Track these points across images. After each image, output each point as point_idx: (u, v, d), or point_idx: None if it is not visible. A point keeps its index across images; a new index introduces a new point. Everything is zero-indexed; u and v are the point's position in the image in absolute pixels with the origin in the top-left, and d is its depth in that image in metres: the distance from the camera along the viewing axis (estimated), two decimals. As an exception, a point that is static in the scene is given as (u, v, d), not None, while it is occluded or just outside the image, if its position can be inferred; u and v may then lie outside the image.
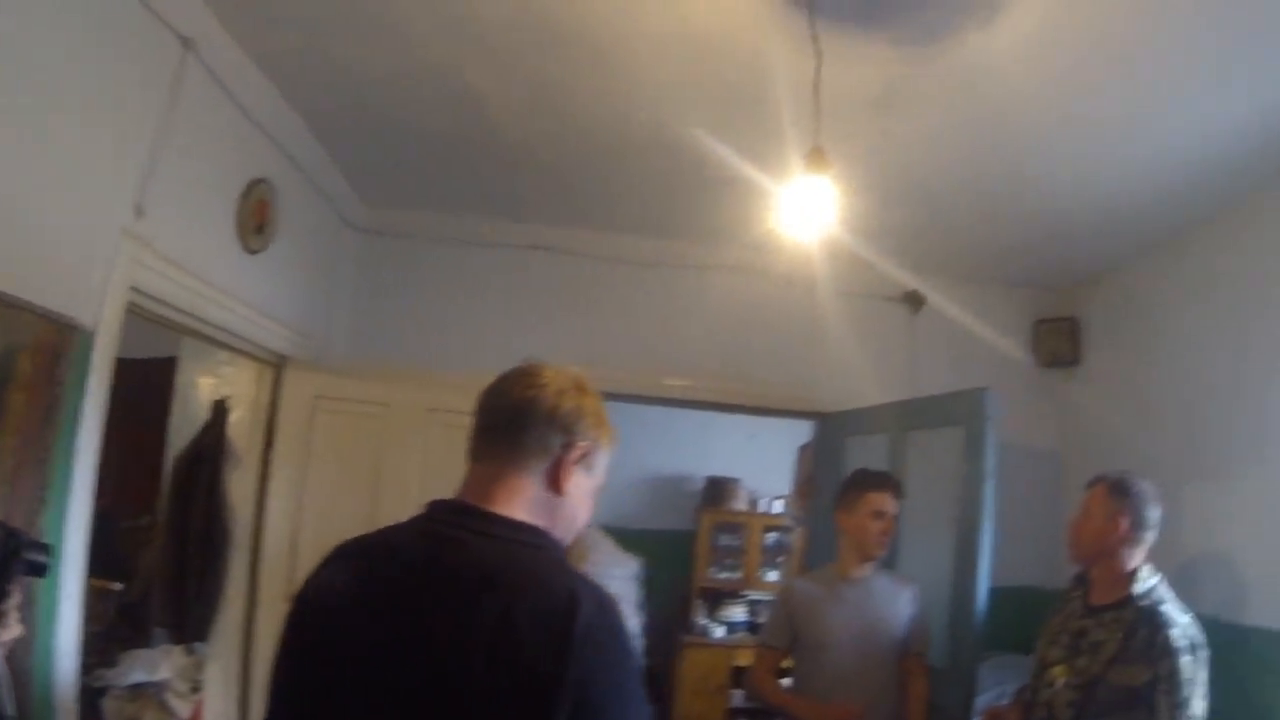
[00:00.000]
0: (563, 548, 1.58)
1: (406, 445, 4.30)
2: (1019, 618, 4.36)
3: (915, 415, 4.26)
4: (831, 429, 4.93)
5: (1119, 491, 3.02)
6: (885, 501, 3.47)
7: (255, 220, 3.78)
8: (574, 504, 1.61)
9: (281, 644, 1.49)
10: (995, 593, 3.67)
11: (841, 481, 3.70)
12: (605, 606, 1.38)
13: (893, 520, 3.49)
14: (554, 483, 1.57)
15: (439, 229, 5.06)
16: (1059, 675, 2.99)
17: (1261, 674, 3.53)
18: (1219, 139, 3.46)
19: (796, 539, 5.89)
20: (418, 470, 4.22)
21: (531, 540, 1.49)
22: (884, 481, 3.55)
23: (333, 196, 4.63)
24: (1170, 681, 2.71)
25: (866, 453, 4.48)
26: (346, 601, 1.45)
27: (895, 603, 3.52)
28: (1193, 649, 2.77)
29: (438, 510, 1.54)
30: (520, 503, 1.53)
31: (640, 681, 1.40)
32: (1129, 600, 2.92)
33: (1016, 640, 4.50)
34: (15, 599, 1.97)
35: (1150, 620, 2.83)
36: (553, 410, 1.57)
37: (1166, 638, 2.76)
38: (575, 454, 1.59)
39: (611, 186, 4.43)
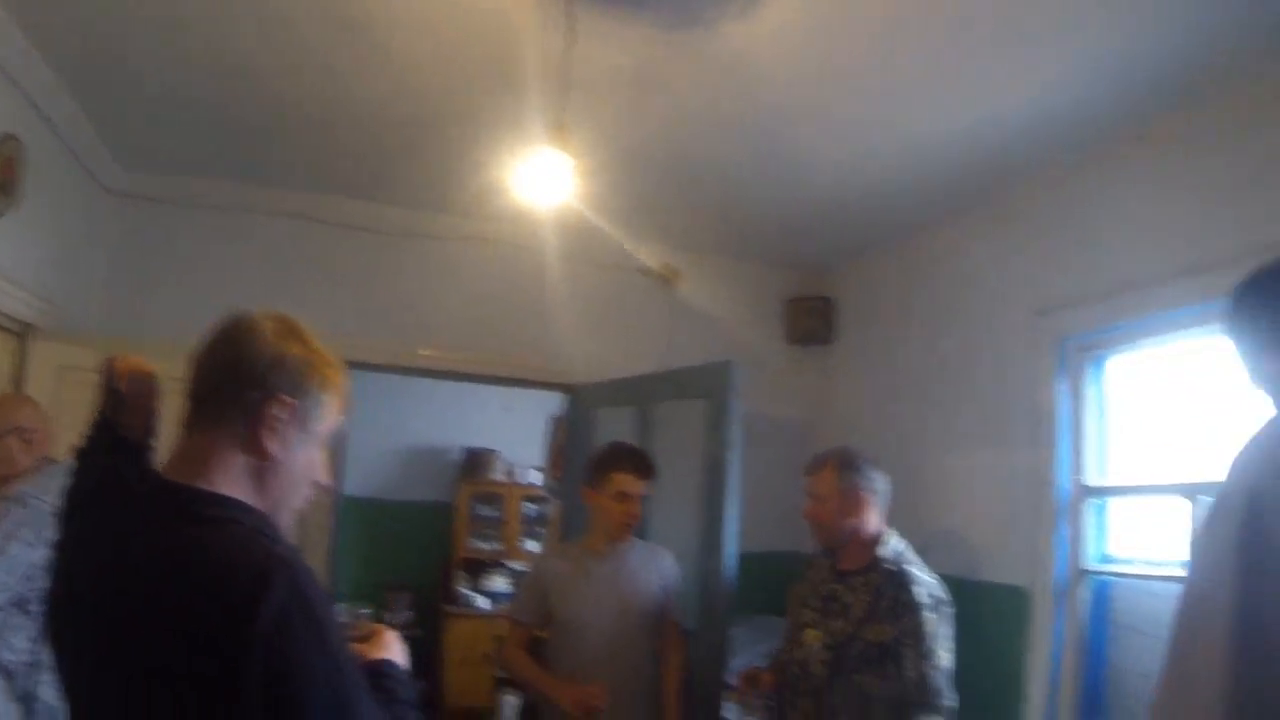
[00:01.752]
0: (271, 521, 1.40)
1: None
2: (772, 582, 4.55)
3: (663, 387, 4.34)
4: (582, 401, 4.96)
5: (847, 466, 3.20)
6: (631, 483, 3.40)
7: (1, 178, 3.47)
8: (289, 472, 1.44)
9: None
10: (749, 558, 3.80)
11: (591, 456, 3.65)
12: (302, 588, 1.22)
13: (639, 501, 3.43)
14: (257, 447, 1.39)
15: (198, 195, 4.79)
16: (812, 638, 3.13)
17: (999, 625, 3.86)
18: (964, 137, 3.72)
19: (554, 510, 5.91)
20: (168, 444, 3.95)
21: (226, 515, 1.32)
22: (631, 462, 3.45)
23: (88, 158, 4.31)
24: (915, 635, 2.92)
25: (616, 424, 4.55)
26: (64, 573, 1.39)
27: (649, 574, 3.52)
28: (936, 606, 2.99)
29: (147, 484, 1.42)
30: (221, 473, 1.36)
31: (350, 670, 1.28)
32: (875, 563, 3.11)
33: (771, 603, 4.69)
34: None
35: (896, 581, 3.03)
36: (252, 362, 1.39)
37: (911, 596, 2.97)
38: (280, 411, 1.40)
39: (371, 157, 4.33)
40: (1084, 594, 3.67)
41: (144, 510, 1.35)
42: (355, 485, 7.22)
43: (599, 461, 3.52)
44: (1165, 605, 3.29)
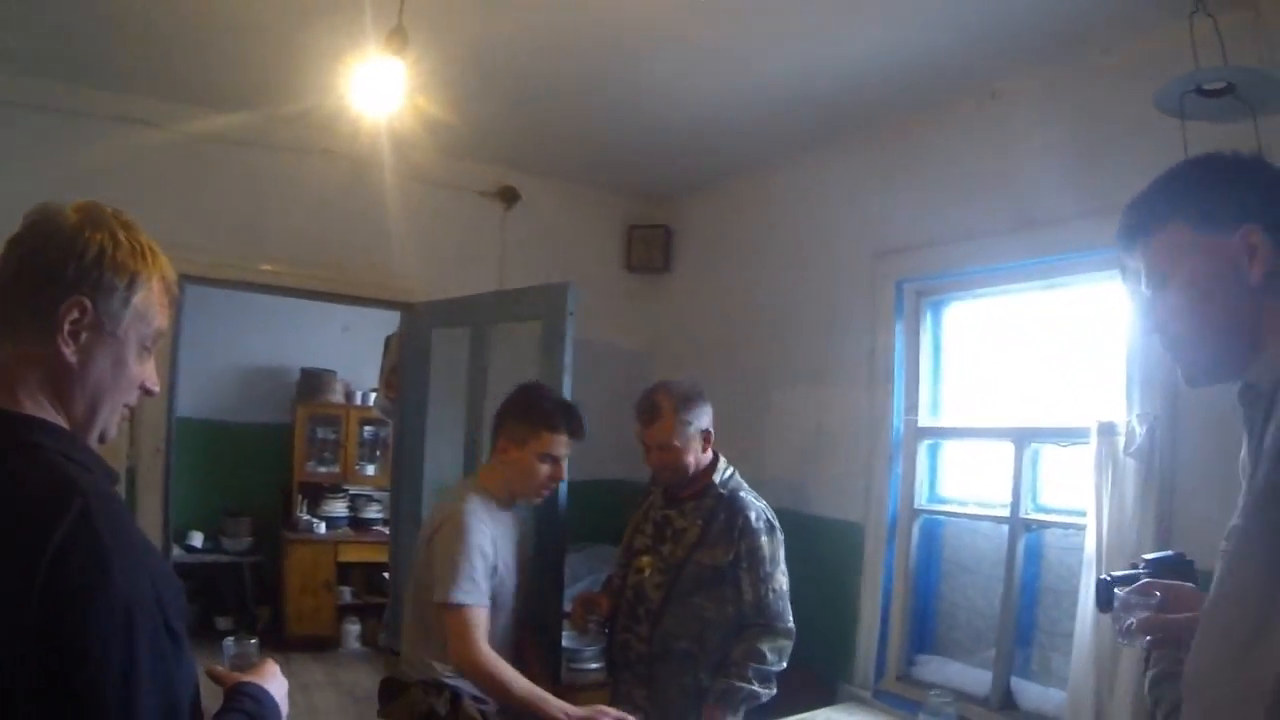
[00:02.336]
0: (78, 442, 1.28)
1: None
2: (603, 510, 4.55)
3: (500, 308, 4.23)
4: (418, 320, 4.82)
5: (685, 408, 3.12)
6: (563, 445, 3.05)
7: None
8: (95, 382, 1.29)
9: None
10: (579, 485, 3.75)
11: (512, 401, 3.17)
12: (90, 518, 1.13)
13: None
14: (54, 355, 1.25)
15: (26, 94, 4.32)
16: (646, 564, 3.14)
17: (834, 559, 3.95)
18: (813, 77, 3.66)
19: (391, 432, 5.79)
20: None
21: (21, 437, 1.21)
22: (567, 423, 3.06)
23: None
24: (752, 559, 2.98)
25: (450, 344, 4.44)
26: None
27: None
28: (770, 530, 3.06)
29: None
30: (22, 389, 1.24)
31: (135, 612, 1.14)
32: (707, 489, 3.13)
33: (602, 532, 4.70)
34: None
35: (729, 506, 3.07)
36: (47, 258, 1.25)
37: (746, 520, 3.01)
38: (77, 313, 1.25)
39: (203, 60, 4.00)
40: (915, 532, 3.79)
41: None
42: (190, 406, 6.87)
43: (529, 414, 3.05)
44: (991, 545, 3.47)
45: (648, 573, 3.12)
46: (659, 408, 3.13)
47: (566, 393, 3.54)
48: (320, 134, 4.71)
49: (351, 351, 8.02)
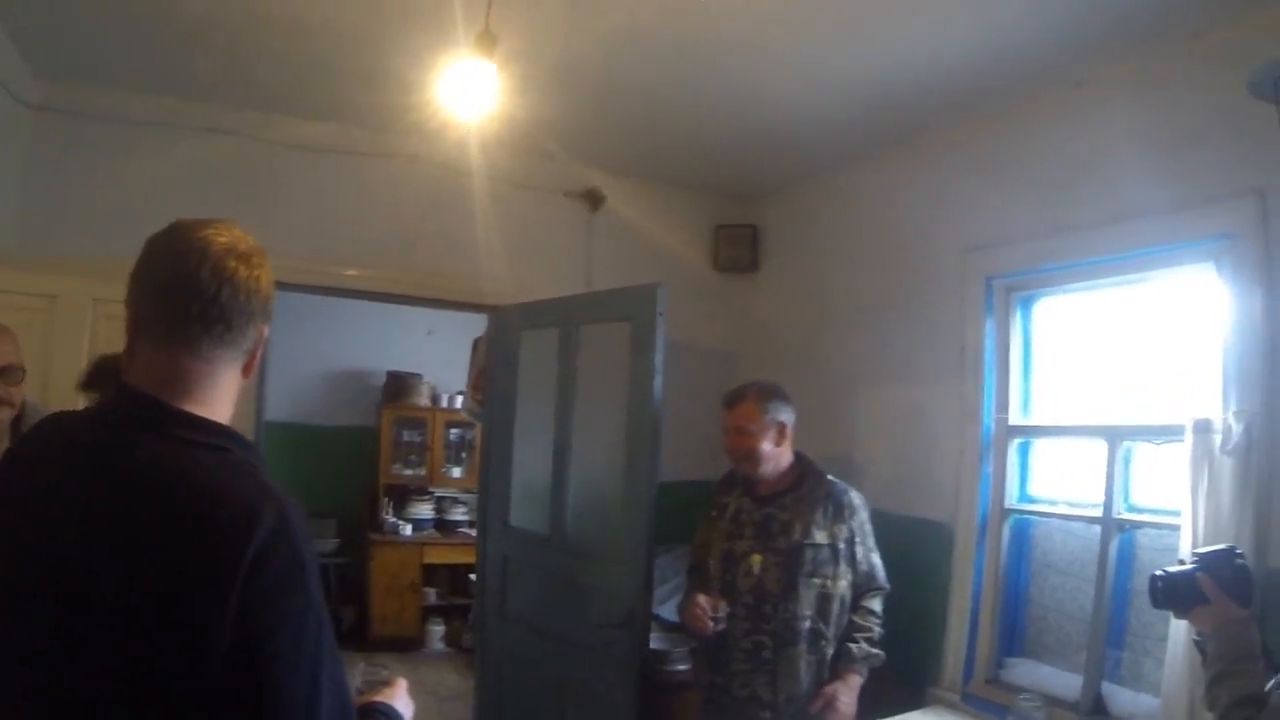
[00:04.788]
0: (254, 447, 1.41)
1: (74, 340, 3.87)
2: (694, 510, 4.54)
3: (588, 309, 4.25)
4: (504, 322, 4.87)
5: (769, 398, 3.31)
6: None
7: None
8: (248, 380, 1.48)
9: None
10: (673, 486, 3.76)
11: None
12: (289, 526, 1.22)
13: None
14: (246, 369, 1.44)
15: (117, 108, 4.47)
16: (757, 561, 3.21)
17: (922, 559, 3.91)
18: (900, 72, 3.64)
19: (480, 434, 5.84)
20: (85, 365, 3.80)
21: (217, 442, 1.30)
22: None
23: (1, 68, 4.02)
24: (860, 532, 3.24)
25: (539, 346, 4.46)
26: (16, 499, 1.31)
27: None
28: (865, 505, 3.32)
29: (121, 401, 1.35)
30: (217, 397, 1.37)
31: (321, 611, 1.24)
32: (801, 481, 3.29)
33: (692, 531, 4.68)
34: None
35: (830, 493, 3.25)
36: (266, 300, 1.42)
37: (850, 500, 3.26)
38: (265, 337, 1.45)
39: (290, 69, 4.09)
40: (1005, 532, 3.74)
41: (126, 426, 1.30)
42: (277, 410, 7.05)
43: None
44: (1083, 545, 3.41)
45: (760, 568, 3.19)
46: (744, 392, 3.34)
47: (657, 394, 3.57)
48: (406, 138, 4.79)
49: (437, 354, 8.12)
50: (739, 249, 5.54)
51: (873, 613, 3.20)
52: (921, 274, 4.23)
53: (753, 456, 3.27)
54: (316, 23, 3.60)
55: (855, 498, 3.29)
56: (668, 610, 4.22)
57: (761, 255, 5.55)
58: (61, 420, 1.43)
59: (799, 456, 3.37)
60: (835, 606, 3.15)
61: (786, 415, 3.31)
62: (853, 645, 3.13)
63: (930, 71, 3.59)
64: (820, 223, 5.06)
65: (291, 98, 4.47)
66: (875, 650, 3.15)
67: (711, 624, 3.18)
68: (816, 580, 3.14)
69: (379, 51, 3.78)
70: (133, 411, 1.32)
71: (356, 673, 1.75)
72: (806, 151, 4.72)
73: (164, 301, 1.35)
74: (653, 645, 3.69)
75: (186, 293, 1.34)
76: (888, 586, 3.28)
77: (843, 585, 3.17)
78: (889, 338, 4.39)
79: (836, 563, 3.17)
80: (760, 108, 4.14)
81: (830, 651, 3.14)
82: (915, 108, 3.97)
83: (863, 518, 3.27)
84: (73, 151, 4.43)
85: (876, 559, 3.28)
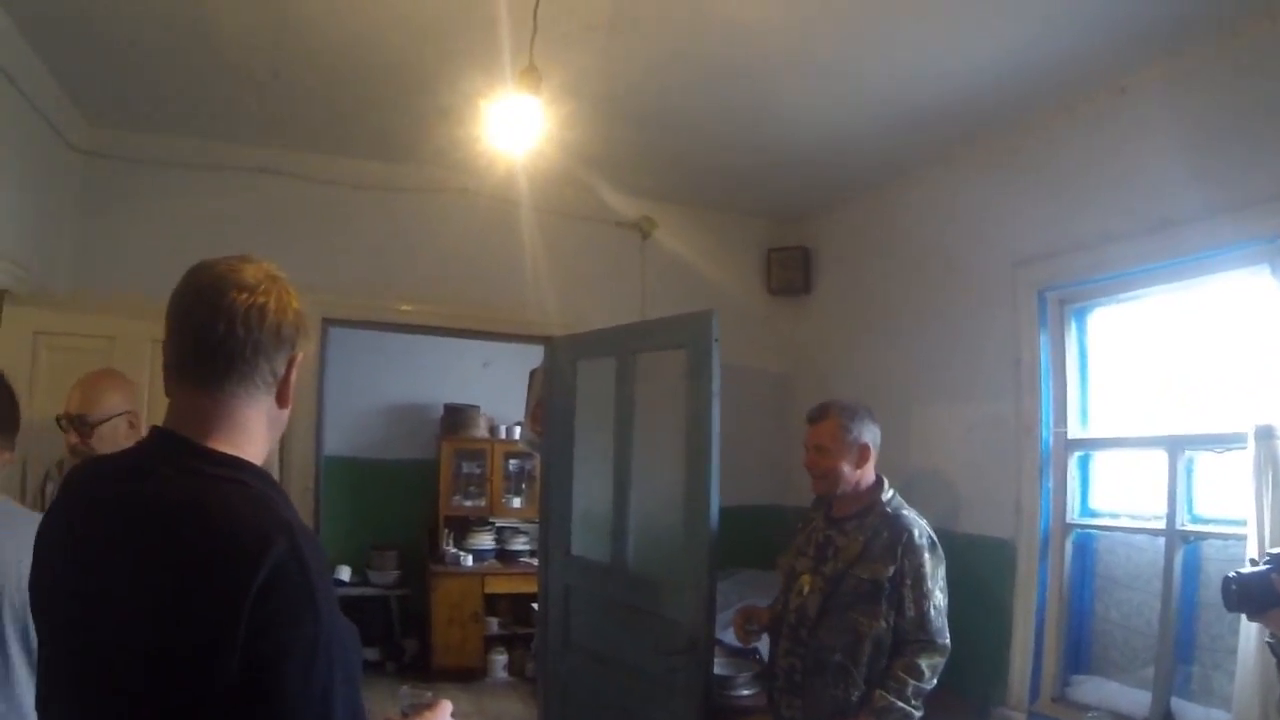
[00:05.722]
0: (274, 480, 1.40)
1: (134, 379, 3.96)
2: (752, 535, 4.53)
3: (643, 338, 4.28)
4: (560, 353, 4.91)
5: (852, 417, 3.20)
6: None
7: None
8: (285, 420, 1.48)
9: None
10: (727, 511, 3.76)
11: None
12: (300, 555, 1.21)
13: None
14: (281, 399, 1.44)
15: (167, 151, 4.63)
16: (807, 583, 3.16)
17: (984, 576, 3.88)
18: (941, 85, 3.66)
19: (537, 465, 5.88)
20: (144, 404, 3.90)
21: (236, 475, 1.30)
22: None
23: (52, 115, 4.13)
24: (915, 575, 2.99)
25: (596, 376, 4.49)
26: (53, 540, 1.37)
27: None
28: (932, 547, 3.06)
29: (151, 441, 1.37)
30: (243, 431, 1.38)
31: (337, 642, 1.23)
32: (871, 508, 3.15)
33: (750, 557, 4.68)
34: None
35: (892, 524, 3.08)
36: (278, 326, 1.39)
37: (909, 536, 3.03)
38: (296, 364, 1.44)
39: (337, 109, 4.21)
40: (1068, 547, 3.70)
41: (146, 463, 1.33)
42: (336, 445, 7.16)
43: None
44: (1147, 559, 3.36)
45: (807, 590, 3.14)
46: (827, 410, 3.24)
47: (714, 420, 3.58)
48: (455, 174, 4.88)
49: (494, 386, 8.19)
50: (792, 271, 5.56)
51: (913, 668, 2.94)
52: (974, 288, 4.22)
53: (830, 476, 3.18)
54: (364, 64, 3.70)
55: (918, 537, 3.04)
56: (730, 635, 4.21)
57: (814, 277, 5.56)
58: (94, 463, 1.48)
59: (878, 480, 3.24)
60: (867, 647, 2.97)
61: (870, 436, 3.20)
62: (878, 691, 2.93)
63: (969, 82, 3.61)
64: (870, 241, 5.06)
65: (336, 136, 4.59)
66: (902, 706, 2.89)
67: (747, 636, 3.21)
68: (851, 614, 3.00)
69: (426, 90, 3.87)
70: (155, 449, 1.35)
71: (400, 696, 1.77)
72: (852, 170, 4.74)
73: (174, 342, 1.39)
74: (716, 671, 3.67)
75: (189, 331, 1.37)
76: (941, 643, 2.99)
77: (880, 627, 2.96)
78: (943, 355, 4.38)
79: (876, 601, 2.97)
80: (804, 128, 4.17)
81: (857, 695, 2.96)
82: (956, 119, 3.99)
83: (920, 561, 3.01)
84: (125, 195, 4.59)
85: (932, 609, 2.99)
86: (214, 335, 1.35)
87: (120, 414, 2.90)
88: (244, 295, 1.37)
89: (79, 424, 2.91)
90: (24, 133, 3.92)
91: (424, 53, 3.57)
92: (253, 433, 1.39)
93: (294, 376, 1.44)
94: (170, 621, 1.17)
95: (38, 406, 3.85)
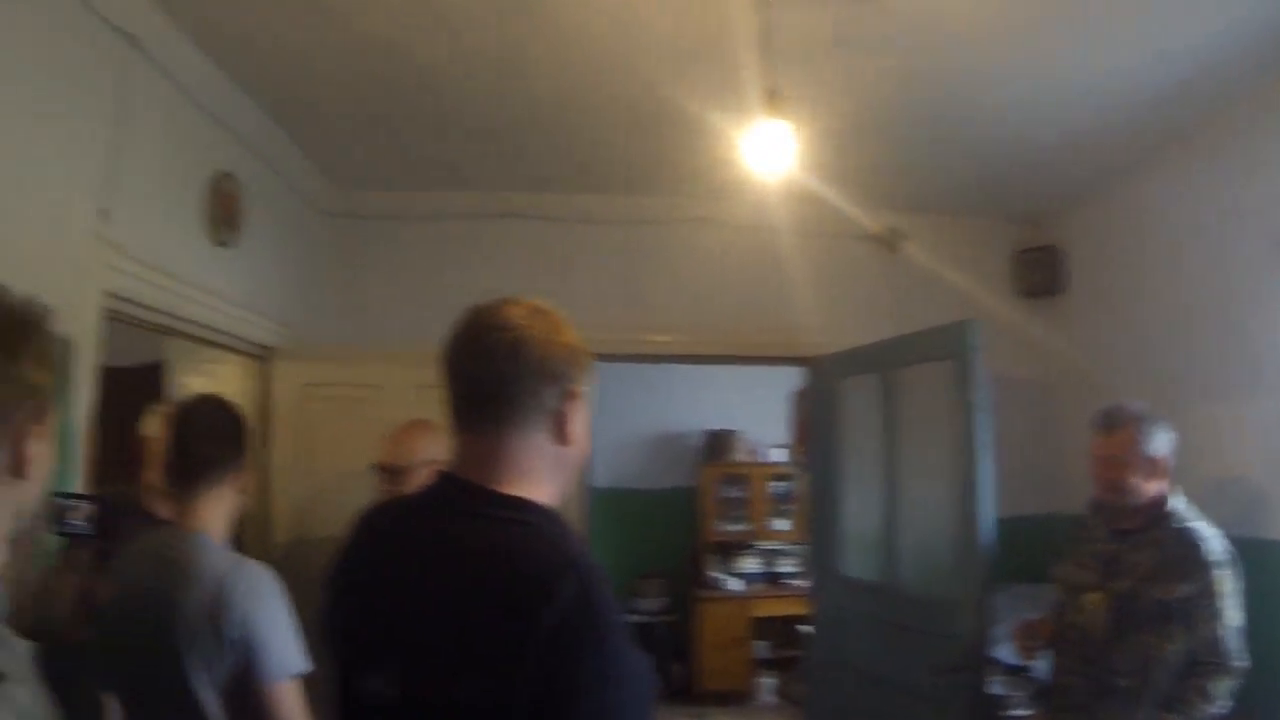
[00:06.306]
0: (559, 517, 1.40)
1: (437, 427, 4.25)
2: (1025, 547, 4.36)
3: (903, 352, 4.23)
4: (822, 372, 4.90)
5: (1148, 428, 3.00)
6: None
7: (224, 213, 3.74)
8: (579, 444, 1.46)
9: (324, 630, 1.45)
10: (1003, 523, 3.64)
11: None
12: (589, 591, 1.22)
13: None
14: (560, 436, 1.42)
15: (409, 206, 5.01)
16: (1094, 601, 2.99)
17: (1273, 583, 3.54)
18: (1170, 66, 3.49)
19: (801, 486, 5.87)
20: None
21: (521, 517, 1.33)
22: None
23: (300, 183, 4.57)
24: (1208, 595, 2.78)
25: (860, 394, 4.46)
26: (359, 581, 1.43)
27: None
28: (1226, 563, 2.84)
29: (442, 486, 1.42)
30: (524, 472, 1.38)
31: (629, 676, 1.23)
32: (1159, 522, 2.96)
33: (1025, 570, 4.50)
34: None
35: (1184, 539, 2.87)
36: (542, 361, 1.39)
37: (1203, 553, 2.82)
38: (575, 399, 1.43)
39: (575, 147, 4.39)
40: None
41: (440, 511, 1.39)
42: (602, 476, 7.38)
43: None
44: None
45: (1096, 610, 2.97)
46: (1122, 418, 3.02)
47: (984, 431, 3.49)
48: (700, 202, 5.00)
49: (752, 409, 8.19)
50: (1041, 273, 5.35)
51: (1204, 692, 2.74)
52: (1239, 274, 3.90)
53: (1121, 488, 2.99)
54: (602, 104, 3.87)
55: (1214, 551, 2.83)
56: (1006, 652, 4.08)
57: (1065, 276, 5.33)
58: (387, 507, 1.55)
59: (1166, 494, 3.02)
60: (1157, 671, 2.79)
61: (1167, 448, 3.00)
62: (1167, 715, 2.76)
63: (1203, 53, 3.40)
64: (1121, 234, 4.79)
65: (582, 175, 4.79)
66: None
67: (1029, 651, 3.09)
68: (1143, 637, 2.82)
69: (666, 122, 3.99)
70: (444, 495, 1.40)
71: None
72: (1094, 161, 4.55)
73: (450, 388, 1.43)
74: (993, 690, 3.56)
75: (459, 376, 1.42)
76: (1236, 665, 2.78)
77: (1171, 649, 2.78)
78: (1217, 347, 4.05)
79: (1168, 622, 2.79)
80: (1041, 122, 4.07)
81: (1146, 718, 2.79)
82: (1191, 101, 3.81)
83: (1216, 576, 2.79)
84: (374, 251, 5.02)
85: (1225, 630, 2.78)
86: (478, 378, 1.40)
87: (427, 461, 3.09)
88: (502, 334, 1.39)
89: (389, 472, 3.13)
90: (277, 203, 4.35)
91: (666, 89, 3.68)
92: (535, 473, 1.40)
93: (574, 413, 1.43)
94: (466, 665, 1.22)
95: (314, 454, 4.22)
